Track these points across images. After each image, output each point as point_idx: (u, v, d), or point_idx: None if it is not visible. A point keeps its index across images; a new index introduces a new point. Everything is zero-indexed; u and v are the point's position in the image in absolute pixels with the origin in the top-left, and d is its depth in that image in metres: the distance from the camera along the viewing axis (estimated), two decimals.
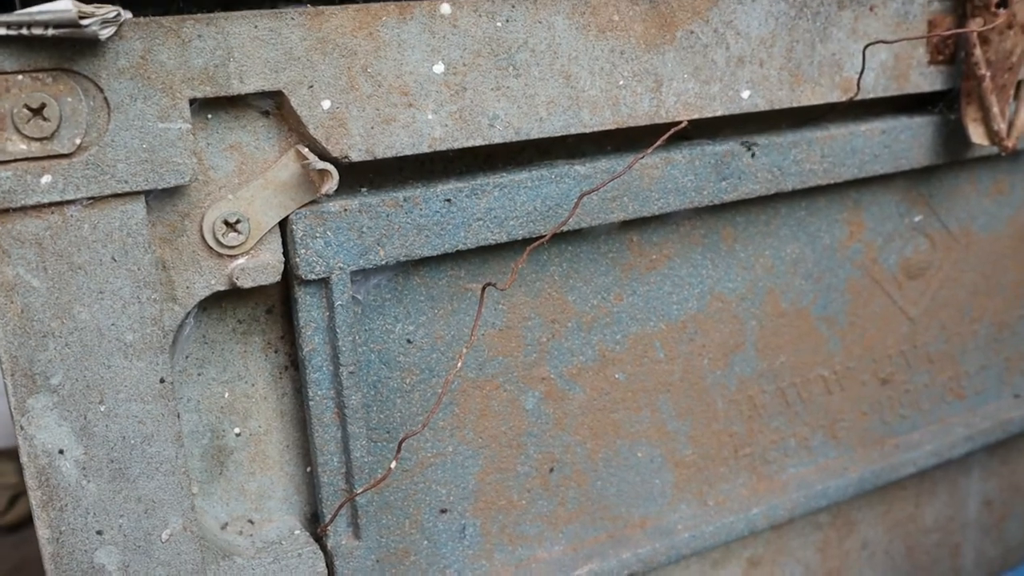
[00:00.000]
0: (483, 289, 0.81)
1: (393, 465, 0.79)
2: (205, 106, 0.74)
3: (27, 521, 2.01)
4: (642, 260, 0.96)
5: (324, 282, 0.79)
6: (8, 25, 0.65)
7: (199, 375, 0.82)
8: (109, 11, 0.66)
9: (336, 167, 0.76)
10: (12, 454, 2.17)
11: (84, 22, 0.64)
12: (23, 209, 0.68)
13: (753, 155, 0.94)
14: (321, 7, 0.75)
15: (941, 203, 1.14)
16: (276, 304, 0.83)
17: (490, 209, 0.84)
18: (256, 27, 0.72)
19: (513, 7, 0.81)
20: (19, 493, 2.08)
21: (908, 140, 1.04)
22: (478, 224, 0.83)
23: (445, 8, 0.79)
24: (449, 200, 0.82)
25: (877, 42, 0.93)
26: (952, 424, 1.22)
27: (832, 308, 1.10)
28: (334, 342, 0.80)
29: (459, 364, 0.81)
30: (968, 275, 1.19)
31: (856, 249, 1.09)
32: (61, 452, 0.72)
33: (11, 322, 0.69)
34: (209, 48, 0.71)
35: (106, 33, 0.66)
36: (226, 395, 0.84)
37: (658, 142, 0.84)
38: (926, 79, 1.03)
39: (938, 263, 1.16)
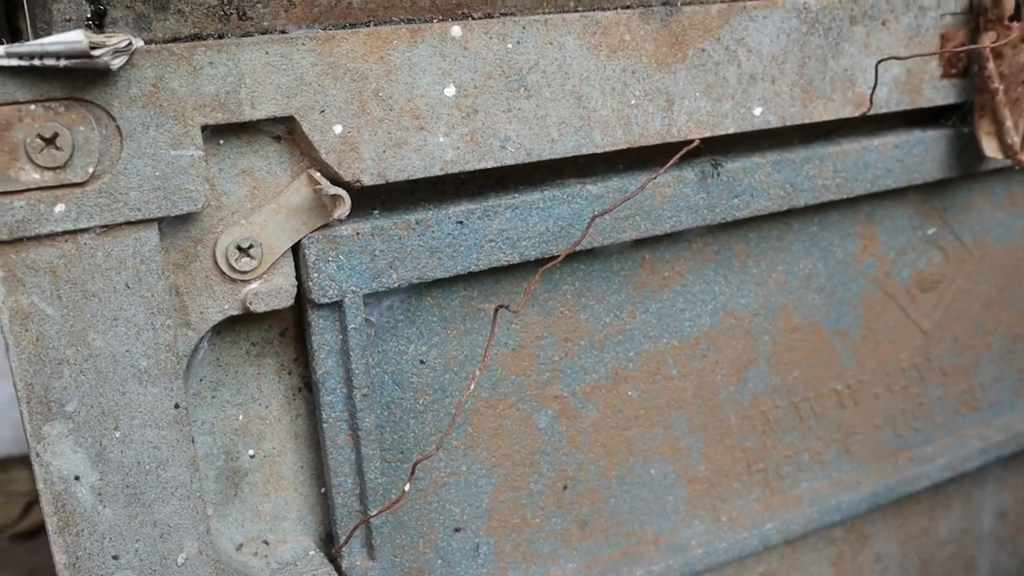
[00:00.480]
0: (496, 311, 0.80)
1: (407, 487, 0.79)
2: (217, 132, 0.74)
3: (41, 528, 2.02)
4: (654, 278, 0.96)
5: (337, 305, 0.79)
6: (20, 56, 0.65)
7: (213, 397, 0.82)
8: (121, 41, 0.66)
9: (348, 191, 0.76)
10: (26, 460, 2.18)
11: (95, 52, 0.65)
12: (37, 238, 0.68)
13: (718, 173, 0.92)
14: (332, 31, 0.75)
15: (954, 216, 1.14)
16: (289, 326, 0.83)
17: (502, 230, 0.84)
18: (267, 53, 0.73)
19: (524, 29, 0.81)
20: (33, 500, 2.09)
21: (921, 154, 1.04)
22: (490, 246, 0.83)
23: (456, 31, 0.78)
24: (461, 222, 0.82)
25: (890, 58, 0.92)
26: (966, 437, 1.21)
27: (845, 322, 1.09)
28: (347, 365, 0.81)
29: (472, 386, 0.81)
30: (982, 287, 1.19)
31: (869, 263, 1.09)
32: (77, 478, 0.73)
33: (26, 350, 0.69)
34: (221, 75, 0.71)
35: (118, 63, 0.66)
36: (240, 417, 0.84)
37: (670, 163, 0.84)
38: (939, 93, 1.03)
39: (951, 276, 1.15)
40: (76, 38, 0.64)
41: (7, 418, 2.24)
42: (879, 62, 0.94)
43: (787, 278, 1.04)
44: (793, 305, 1.05)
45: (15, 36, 1.22)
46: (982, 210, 1.16)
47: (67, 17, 0.71)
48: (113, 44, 0.66)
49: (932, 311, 1.15)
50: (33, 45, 0.65)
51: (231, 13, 0.76)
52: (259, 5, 0.76)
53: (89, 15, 0.72)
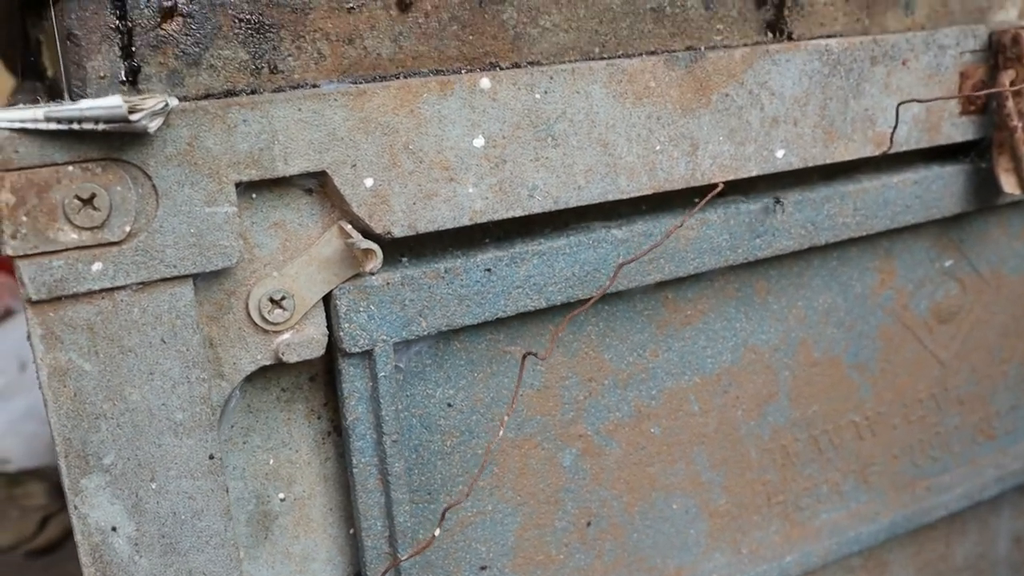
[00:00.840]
0: (523, 358, 0.81)
1: (437, 532, 0.80)
2: (250, 187, 0.75)
3: (57, 544, 2.04)
4: (677, 316, 0.97)
5: (368, 354, 0.80)
6: (59, 120, 0.66)
7: (244, 443, 0.83)
8: (157, 103, 0.67)
9: (379, 242, 0.77)
10: (41, 474, 2.20)
11: (133, 117, 0.65)
12: (75, 296, 0.69)
13: (782, 209, 0.94)
14: (364, 85, 0.76)
15: (972, 247, 1.15)
16: (319, 372, 0.84)
17: (529, 276, 0.85)
18: (300, 109, 0.73)
19: (551, 79, 0.81)
20: (48, 515, 2.10)
21: (940, 190, 1.04)
22: (518, 292, 0.84)
23: (485, 83, 0.79)
24: (489, 270, 0.83)
25: (910, 100, 0.93)
26: (983, 465, 1.22)
27: (864, 355, 1.10)
28: (377, 412, 0.81)
29: (500, 432, 0.82)
30: (998, 317, 1.20)
31: (887, 296, 1.10)
32: (114, 529, 0.74)
33: (64, 405, 0.70)
34: (254, 132, 0.72)
35: (155, 125, 0.67)
36: (271, 461, 0.85)
37: (695, 210, 0.85)
38: (958, 130, 1.03)
39: (969, 306, 1.16)
40: (114, 103, 0.65)
41: (21, 432, 2.25)
42: (900, 104, 0.95)
43: (807, 313, 1.05)
44: (813, 340, 1.06)
45: (38, 76, 1.23)
46: (999, 241, 1.17)
47: (101, 74, 0.72)
48: (150, 107, 0.67)
49: (949, 342, 1.16)
50: (72, 109, 0.66)
51: (262, 67, 0.76)
52: (290, 58, 0.77)
53: (124, 72, 0.73)
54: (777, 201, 0.95)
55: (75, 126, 0.66)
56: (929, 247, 1.11)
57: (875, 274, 1.08)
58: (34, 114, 0.66)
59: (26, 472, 2.22)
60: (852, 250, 1.05)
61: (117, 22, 0.72)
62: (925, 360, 1.15)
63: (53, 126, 0.66)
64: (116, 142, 0.68)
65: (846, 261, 1.06)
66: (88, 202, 0.68)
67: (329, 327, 0.79)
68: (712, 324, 0.99)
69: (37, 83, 1.23)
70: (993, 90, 0.97)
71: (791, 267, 1.02)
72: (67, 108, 0.66)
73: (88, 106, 0.65)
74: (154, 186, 0.70)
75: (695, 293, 0.97)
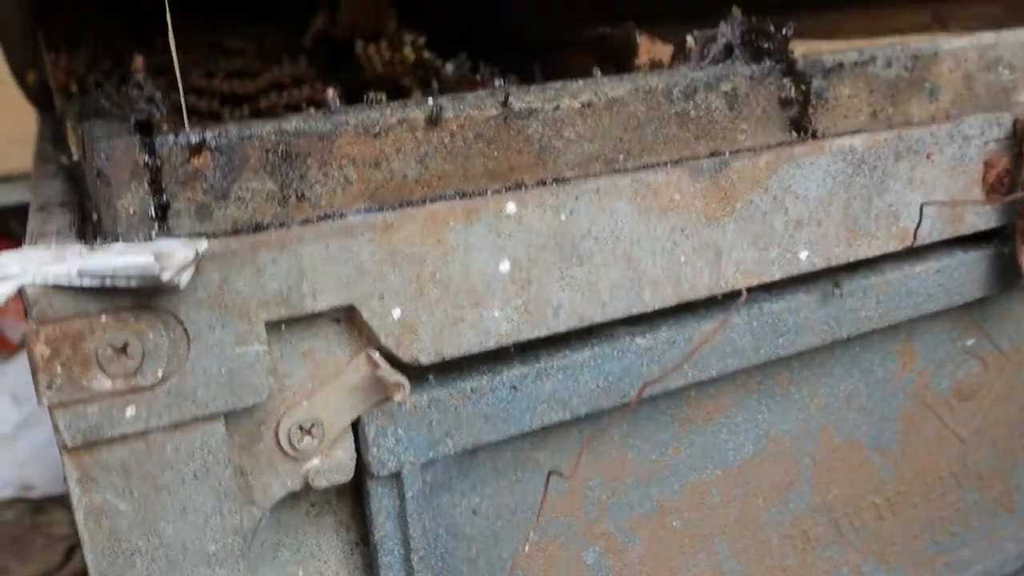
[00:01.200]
0: (548, 476, 0.82)
1: None
2: (279, 321, 0.75)
3: (84, 575, 2.06)
4: (699, 413, 0.98)
5: (395, 476, 0.81)
6: (92, 276, 0.67)
7: (274, 558, 0.85)
8: (187, 257, 0.68)
9: (406, 370, 0.77)
10: (66, 502, 2.22)
11: (165, 276, 0.66)
12: (110, 440, 0.70)
13: (841, 294, 0.95)
14: (390, 216, 0.76)
15: (994, 326, 1.14)
16: (347, 486, 0.85)
17: (554, 391, 0.85)
18: (328, 247, 0.74)
19: (576, 199, 0.82)
20: (75, 545, 2.13)
21: (962, 276, 1.04)
22: (543, 407, 0.85)
23: (511, 207, 0.79)
24: (515, 387, 0.84)
25: (934, 203, 0.93)
26: (1002, 539, 1.23)
27: (884, 437, 1.10)
28: (405, 529, 0.83)
29: (525, 548, 0.83)
30: (1019, 392, 1.20)
31: (909, 378, 1.10)
32: None
33: (100, 544, 0.72)
34: (283, 272, 0.73)
35: (186, 279, 0.68)
36: (300, 573, 0.86)
37: (719, 326, 0.85)
38: (981, 218, 1.03)
39: (990, 383, 1.16)
40: (147, 263, 0.66)
41: (45, 459, 2.28)
42: (923, 205, 0.94)
43: (828, 400, 1.05)
44: (834, 426, 1.06)
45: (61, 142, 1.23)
46: (1020, 318, 1.16)
47: (131, 211, 0.73)
48: (180, 263, 0.67)
49: (970, 419, 1.16)
50: (104, 267, 0.66)
51: (290, 196, 0.77)
52: (317, 185, 0.77)
53: (153, 208, 0.73)
54: (836, 285, 0.96)
55: (108, 283, 0.67)
56: (951, 328, 1.11)
57: (897, 358, 1.08)
58: (68, 271, 0.66)
59: (51, 499, 2.24)
60: (874, 336, 1.05)
61: (147, 159, 0.73)
62: (946, 438, 1.15)
63: (87, 283, 0.67)
64: (148, 290, 0.69)
65: (868, 347, 1.06)
66: (122, 350, 0.68)
67: (357, 449, 0.80)
68: (734, 418, 1.00)
69: (63, 155, 1.24)
70: (1018, 196, 0.97)
71: (813, 357, 1.02)
72: (100, 265, 0.66)
73: (122, 265, 0.66)
74: (185, 330, 0.71)
75: (717, 389, 0.98)
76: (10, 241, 2.75)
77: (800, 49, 0.99)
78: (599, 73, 0.88)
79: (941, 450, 1.15)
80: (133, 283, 0.66)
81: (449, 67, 1.03)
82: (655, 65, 0.95)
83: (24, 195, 2.81)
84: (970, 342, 1.13)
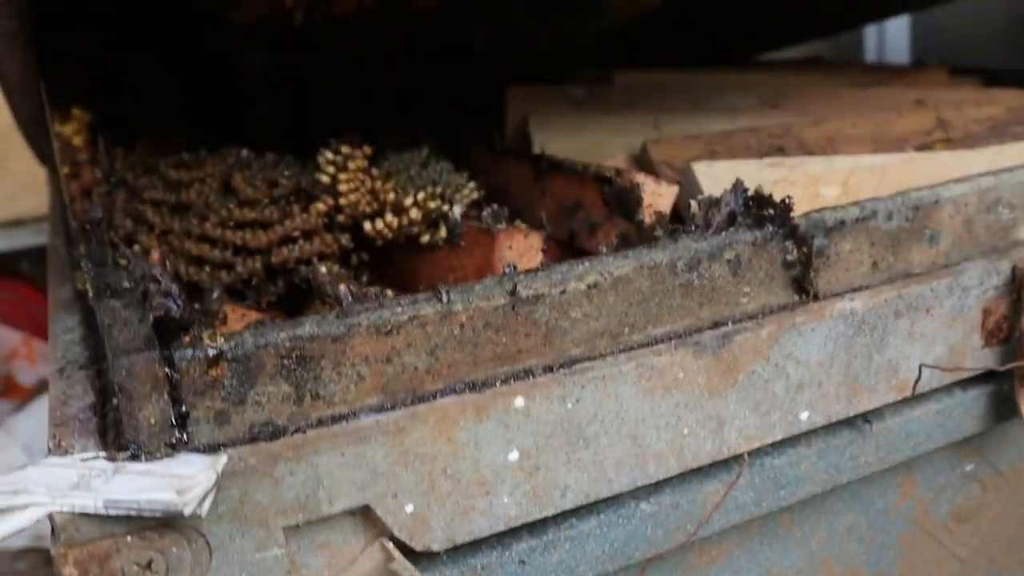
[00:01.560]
0: None
1: None
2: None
3: None
4: (703, 559, 1.01)
5: None
6: (118, 508, 0.70)
7: None
8: (208, 485, 0.71)
9: (417, 561, 0.80)
10: None
11: (188, 511, 0.69)
12: None
13: (871, 429, 0.99)
14: (402, 418, 0.79)
15: (993, 450, 1.17)
16: None
17: (561, 561, 0.88)
18: (343, 455, 0.77)
19: (583, 387, 0.84)
20: None
21: (961, 415, 1.06)
22: None
23: (519, 402, 0.82)
24: (523, 561, 0.87)
25: (932, 366, 0.95)
26: None
27: (884, 563, 1.13)
28: None
29: None
30: (1017, 510, 1.22)
31: (908, 506, 1.13)
32: None
33: None
34: (300, 482, 0.76)
35: (207, 507, 0.71)
36: None
37: (722, 499, 0.88)
38: (980, 362, 1.05)
39: (989, 504, 1.19)
40: (171, 500, 0.69)
41: None
42: (921, 366, 0.97)
43: (829, 535, 1.08)
44: (835, 558, 1.09)
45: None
46: (1019, 441, 1.19)
47: (152, 421, 0.75)
48: (202, 493, 0.70)
49: (968, 539, 1.19)
50: (130, 502, 0.69)
51: (304, 396, 0.80)
52: (331, 384, 0.80)
53: (173, 418, 0.76)
54: (867, 421, 0.98)
55: (133, 513, 0.70)
56: (950, 456, 1.14)
57: (896, 489, 1.11)
58: (95, 503, 0.70)
59: None
60: (874, 472, 1.08)
61: (167, 372, 0.75)
62: (944, 559, 1.18)
63: (112, 512, 0.70)
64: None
65: (868, 482, 1.08)
66: (147, 567, 0.72)
67: None
68: (737, 560, 1.03)
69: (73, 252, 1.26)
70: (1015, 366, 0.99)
71: (814, 497, 1.05)
72: (126, 500, 0.69)
73: (146, 500, 0.69)
74: (207, 542, 0.74)
75: (720, 535, 1.00)
76: (21, 283, 2.77)
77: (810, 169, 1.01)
78: (605, 250, 0.90)
79: (939, 571, 1.18)
80: (158, 515, 0.69)
81: (456, 210, 1.05)
82: (659, 218, 0.97)
83: (34, 239, 2.85)
84: (969, 467, 1.16)
